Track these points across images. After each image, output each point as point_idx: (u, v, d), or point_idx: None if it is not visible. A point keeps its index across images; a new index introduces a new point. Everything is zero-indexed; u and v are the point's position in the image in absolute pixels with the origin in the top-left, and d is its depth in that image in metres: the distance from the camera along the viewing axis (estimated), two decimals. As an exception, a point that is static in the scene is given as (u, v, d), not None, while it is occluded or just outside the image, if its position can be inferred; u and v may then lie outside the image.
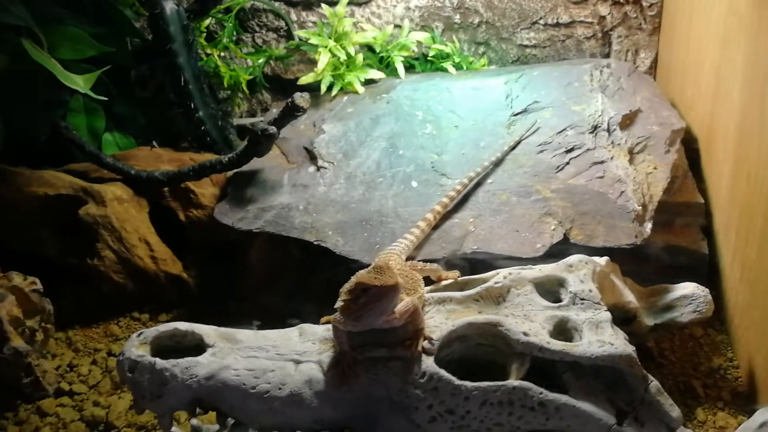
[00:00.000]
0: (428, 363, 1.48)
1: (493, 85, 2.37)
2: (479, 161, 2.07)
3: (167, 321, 2.30)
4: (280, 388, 1.50)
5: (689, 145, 2.27)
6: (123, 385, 1.87)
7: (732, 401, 1.88)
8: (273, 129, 2.07)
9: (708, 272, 2.10)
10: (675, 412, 1.47)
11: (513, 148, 2.10)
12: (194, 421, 1.76)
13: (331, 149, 2.26)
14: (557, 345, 1.50)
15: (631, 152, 2.11)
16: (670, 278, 1.88)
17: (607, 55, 2.76)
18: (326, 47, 2.43)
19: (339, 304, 1.46)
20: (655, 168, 2.09)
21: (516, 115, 2.22)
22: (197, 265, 2.44)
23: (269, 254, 2.22)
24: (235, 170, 2.31)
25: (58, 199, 2.29)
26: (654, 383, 1.48)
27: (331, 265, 2.32)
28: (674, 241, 2.12)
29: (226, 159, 2.26)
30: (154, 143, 2.56)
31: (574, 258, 1.70)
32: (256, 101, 2.93)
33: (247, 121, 2.86)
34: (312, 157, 2.28)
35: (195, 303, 2.34)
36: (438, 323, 1.56)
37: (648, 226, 1.93)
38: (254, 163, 2.29)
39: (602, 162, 2.03)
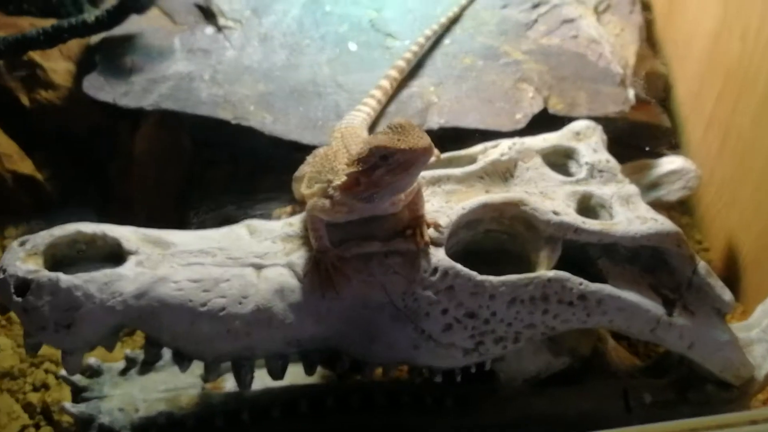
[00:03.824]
0: (439, 256, 1.14)
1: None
2: (432, 18, 1.70)
3: (19, 235, 1.77)
4: (240, 303, 1.10)
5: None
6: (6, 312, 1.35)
7: (711, 283, 1.73)
8: (166, -30, 1.55)
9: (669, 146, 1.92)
10: (727, 295, 1.24)
11: (471, 1, 1.74)
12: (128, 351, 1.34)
13: (234, 5, 1.77)
14: (594, 224, 1.21)
15: (596, 11, 1.83)
16: (632, 156, 1.65)
17: None
18: None
19: (338, 179, 1.06)
20: (622, 29, 1.85)
21: (464, -38, 1.84)
22: (51, 163, 1.89)
23: (158, 143, 1.72)
24: (103, 35, 1.75)
25: None
26: (702, 263, 1.24)
27: (234, 156, 1.89)
28: (633, 116, 1.89)
29: (93, 18, 1.70)
30: (-23, 2, 1.90)
31: (579, 124, 1.42)
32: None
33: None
34: (209, 15, 1.78)
35: (56, 210, 1.80)
36: (437, 207, 1.21)
37: (631, 92, 1.68)
38: (128, 26, 1.75)
39: (573, 20, 1.75)
